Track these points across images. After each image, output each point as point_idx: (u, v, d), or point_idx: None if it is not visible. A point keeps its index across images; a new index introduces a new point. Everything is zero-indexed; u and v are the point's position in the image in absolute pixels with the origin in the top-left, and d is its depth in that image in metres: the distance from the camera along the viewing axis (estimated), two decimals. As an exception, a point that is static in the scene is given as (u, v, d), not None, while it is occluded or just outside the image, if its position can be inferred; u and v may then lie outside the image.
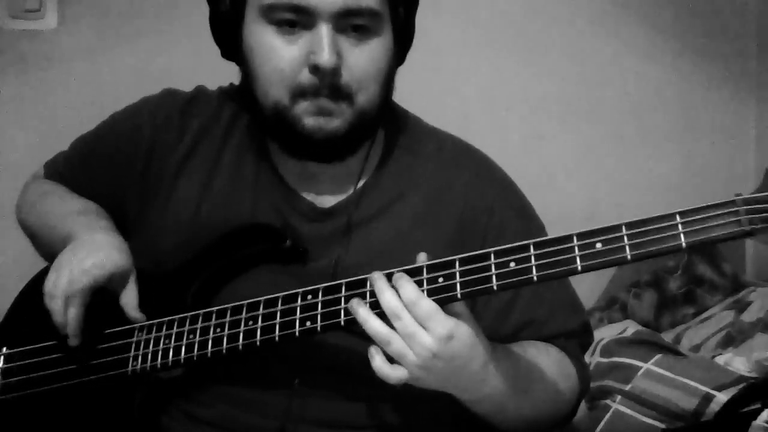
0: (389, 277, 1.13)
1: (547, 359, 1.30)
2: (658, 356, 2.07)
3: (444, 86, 2.61)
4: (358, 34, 1.23)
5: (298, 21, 1.22)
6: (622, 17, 2.77)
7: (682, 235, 1.00)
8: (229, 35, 1.30)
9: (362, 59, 1.24)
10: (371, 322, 1.12)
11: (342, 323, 1.17)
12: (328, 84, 1.22)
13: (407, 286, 1.11)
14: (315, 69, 1.21)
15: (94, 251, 1.30)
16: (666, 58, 2.81)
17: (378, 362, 1.13)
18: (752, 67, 2.87)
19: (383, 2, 1.25)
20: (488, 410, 1.23)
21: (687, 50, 2.83)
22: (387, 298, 1.11)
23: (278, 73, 1.24)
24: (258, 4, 1.24)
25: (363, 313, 1.13)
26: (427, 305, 1.10)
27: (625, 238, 1.03)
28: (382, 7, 1.24)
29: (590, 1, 2.75)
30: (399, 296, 1.11)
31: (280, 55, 1.23)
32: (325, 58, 1.20)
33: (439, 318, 1.10)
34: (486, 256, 1.10)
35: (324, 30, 1.21)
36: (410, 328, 1.10)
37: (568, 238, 1.06)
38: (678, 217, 1.01)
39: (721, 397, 1.88)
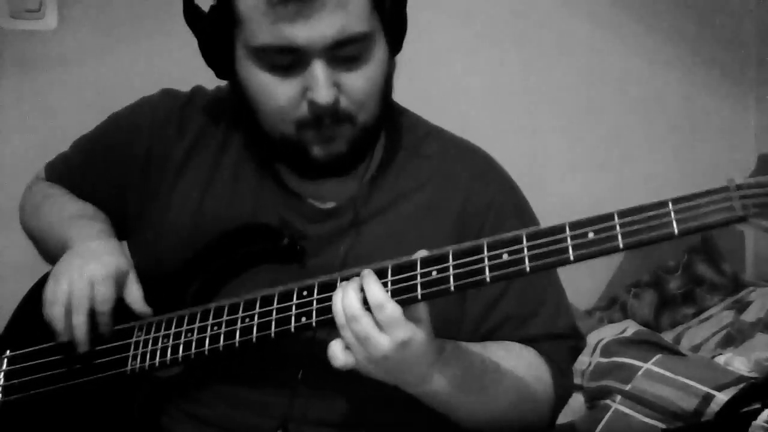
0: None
1: (515, 361, 1.29)
2: (658, 356, 2.06)
3: (444, 85, 2.61)
4: (352, 59, 1.21)
5: (291, 61, 1.20)
6: (622, 17, 2.77)
7: (674, 223, 0.99)
8: (220, 63, 1.28)
9: (360, 83, 1.22)
10: (336, 305, 1.12)
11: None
12: (330, 114, 1.21)
13: (373, 287, 1.11)
14: (313, 105, 1.20)
15: (89, 260, 1.29)
16: (666, 58, 2.81)
17: (335, 344, 1.13)
18: (752, 67, 2.88)
19: (371, 18, 1.22)
20: (435, 405, 1.24)
21: (687, 50, 2.83)
22: (348, 299, 1.11)
23: (278, 111, 1.23)
24: (246, 44, 1.22)
25: (336, 294, 1.13)
26: (392, 310, 1.10)
27: (618, 226, 1.01)
28: (371, 24, 1.22)
29: (591, 2, 2.76)
30: (364, 296, 1.11)
31: (277, 94, 1.22)
32: (323, 95, 1.19)
33: (400, 324, 1.10)
34: (479, 248, 1.09)
35: (318, 67, 1.19)
36: (365, 331, 1.10)
37: (560, 228, 1.05)
38: (671, 205, 0.99)
39: (721, 397, 1.87)
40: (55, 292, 1.28)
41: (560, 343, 1.36)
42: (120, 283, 1.30)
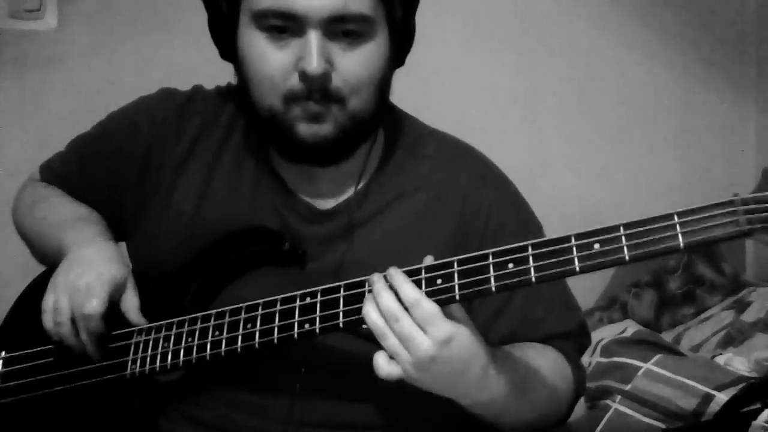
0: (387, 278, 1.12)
1: (545, 361, 1.29)
2: (658, 356, 2.07)
3: (443, 86, 2.62)
4: (349, 39, 1.22)
5: (288, 27, 1.21)
6: (622, 18, 2.77)
7: (680, 236, 0.99)
8: (225, 38, 1.29)
9: (353, 64, 1.23)
10: (370, 314, 1.10)
11: (340, 325, 1.16)
12: (318, 89, 1.22)
13: (406, 286, 1.09)
14: (304, 75, 1.21)
15: (86, 270, 1.29)
16: (666, 59, 2.82)
17: (379, 355, 1.11)
18: (752, 68, 2.88)
19: (376, 7, 1.24)
20: (489, 414, 1.23)
21: (687, 50, 2.83)
22: (384, 300, 1.09)
23: (269, 80, 1.24)
24: (249, 10, 1.23)
25: (367, 304, 1.11)
26: (428, 307, 1.08)
27: (623, 238, 1.02)
28: (374, 11, 1.23)
29: (590, 2, 2.75)
30: (398, 297, 1.09)
31: (270, 61, 1.23)
32: (313, 65, 1.19)
33: (439, 321, 1.08)
34: (484, 257, 1.09)
35: (313, 37, 1.20)
36: (407, 331, 1.08)
37: (566, 239, 1.05)
38: (676, 218, 1.00)
39: (721, 397, 1.88)
40: (58, 308, 1.28)
41: (571, 340, 1.37)
42: (117, 291, 1.30)
